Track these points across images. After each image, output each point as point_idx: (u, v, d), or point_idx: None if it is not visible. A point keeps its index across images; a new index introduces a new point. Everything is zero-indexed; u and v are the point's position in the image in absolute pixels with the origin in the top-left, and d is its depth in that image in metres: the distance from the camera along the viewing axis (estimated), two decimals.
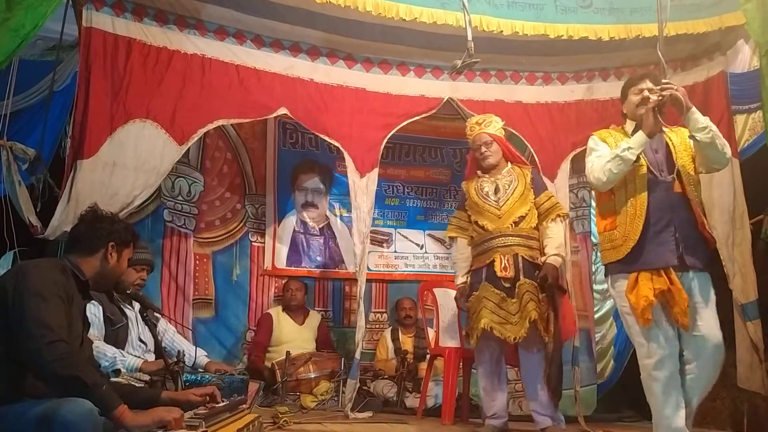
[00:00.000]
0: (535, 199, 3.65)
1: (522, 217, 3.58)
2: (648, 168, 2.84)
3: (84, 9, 3.67)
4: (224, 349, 4.73)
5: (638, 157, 2.81)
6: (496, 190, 3.65)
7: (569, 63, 4.56)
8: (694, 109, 2.75)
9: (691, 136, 2.80)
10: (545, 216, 3.63)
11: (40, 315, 1.92)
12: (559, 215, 3.64)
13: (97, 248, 2.23)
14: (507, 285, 3.48)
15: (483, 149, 3.71)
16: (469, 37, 3.50)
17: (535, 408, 3.50)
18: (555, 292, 3.52)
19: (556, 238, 3.59)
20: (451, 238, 3.85)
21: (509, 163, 3.76)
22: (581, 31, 4.05)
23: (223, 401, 2.37)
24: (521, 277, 3.46)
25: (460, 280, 3.74)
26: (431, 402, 4.35)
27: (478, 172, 3.78)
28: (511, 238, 3.55)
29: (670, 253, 2.76)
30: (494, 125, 3.79)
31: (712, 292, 2.80)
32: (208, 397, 2.33)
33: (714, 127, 2.76)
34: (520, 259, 3.50)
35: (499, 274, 3.48)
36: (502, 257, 3.51)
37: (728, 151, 2.81)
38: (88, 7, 3.68)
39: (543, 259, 3.55)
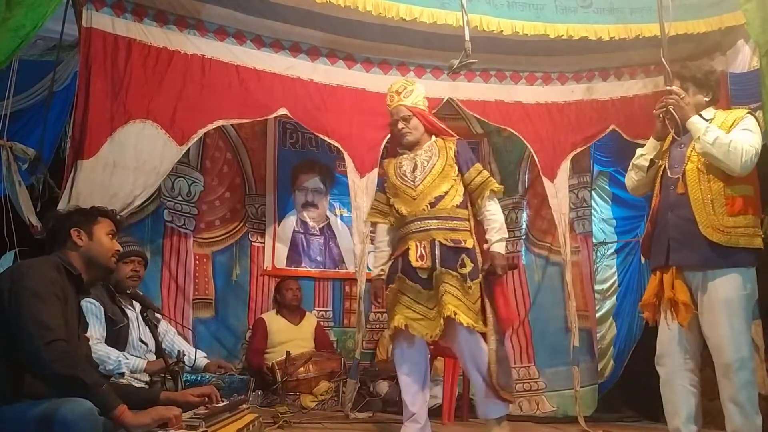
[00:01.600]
0: (463, 175, 3.25)
1: (440, 197, 3.18)
2: (665, 166, 2.85)
3: (84, 9, 3.66)
4: (224, 349, 4.72)
5: (660, 158, 2.88)
6: (414, 168, 3.26)
7: (569, 63, 4.55)
8: (693, 119, 2.72)
9: None
10: (478, 194, 3.22)
11: (39, 315, 1.93)
12: (493, 191, 3.23)
13: (65, 239, 2.26)
14: (424, 276, 3.10)
15: (400, 125, 3.30)
16: (467, 37, 3.41)
17: (479, 402, 3.21)
18: (489, 279, 3.14)
19: (495, 219, 3.20)
20: (372, 224, 3.51)
21: (432, 137, 3.36)
22: (581, 31, 4.04)
23: (222, 401, 2.38)
24: (437, 266, 3.07)
25: (376, 272, 3.36)
26: (431, 402, 4.31)
27: (398, 149, 3.43)
28: (428, 221, 3.15)
29: (661, 252, 2.79)
30: (414, 95, 3.32)
31: (724, 293, 2.63)
32: (206, 398, 2.33)
33: (719, 134, 2.64)
34: (437, 245, 3.09)
35: (414, 264, 3.10)
36: (418, 244, 3.12)
37: (736, 157, 2.60)
38: (88, 8, 3.67)
39: (486, 246, 3.18)
